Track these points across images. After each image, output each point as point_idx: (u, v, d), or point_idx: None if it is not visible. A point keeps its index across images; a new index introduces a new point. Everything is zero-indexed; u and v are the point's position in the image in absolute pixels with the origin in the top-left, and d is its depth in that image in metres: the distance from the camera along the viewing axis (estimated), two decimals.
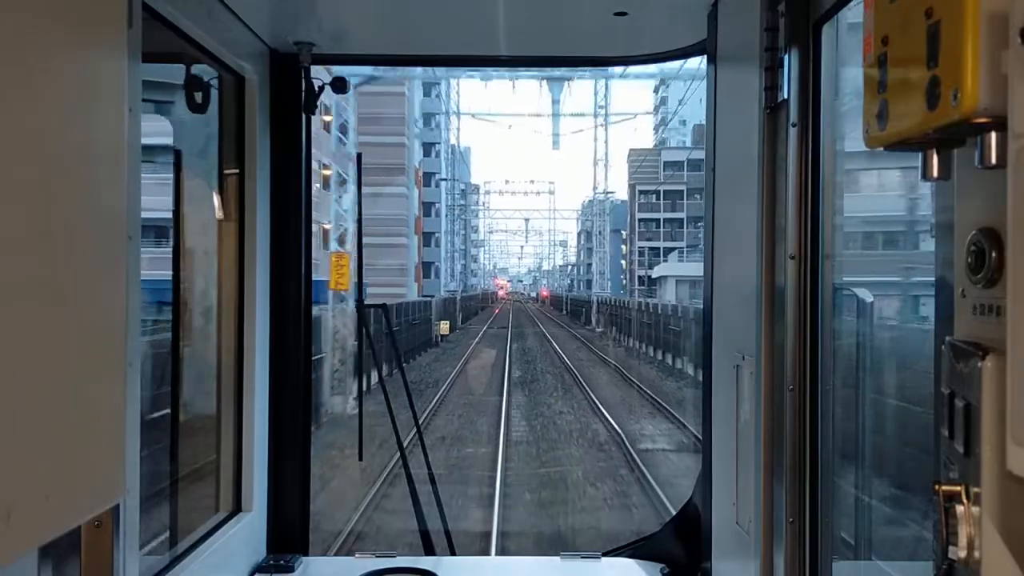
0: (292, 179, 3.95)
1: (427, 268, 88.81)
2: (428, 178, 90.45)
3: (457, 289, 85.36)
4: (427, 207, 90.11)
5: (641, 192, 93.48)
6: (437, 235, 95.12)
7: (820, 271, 2.61)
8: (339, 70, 4.64)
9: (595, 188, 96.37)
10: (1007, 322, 1.19)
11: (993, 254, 1.30)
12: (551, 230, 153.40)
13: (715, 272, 3.39)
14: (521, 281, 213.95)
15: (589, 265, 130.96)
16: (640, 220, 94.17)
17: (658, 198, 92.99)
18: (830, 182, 2.63)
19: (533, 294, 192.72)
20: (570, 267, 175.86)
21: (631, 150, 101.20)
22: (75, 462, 1.99)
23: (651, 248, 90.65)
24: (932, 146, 1.43)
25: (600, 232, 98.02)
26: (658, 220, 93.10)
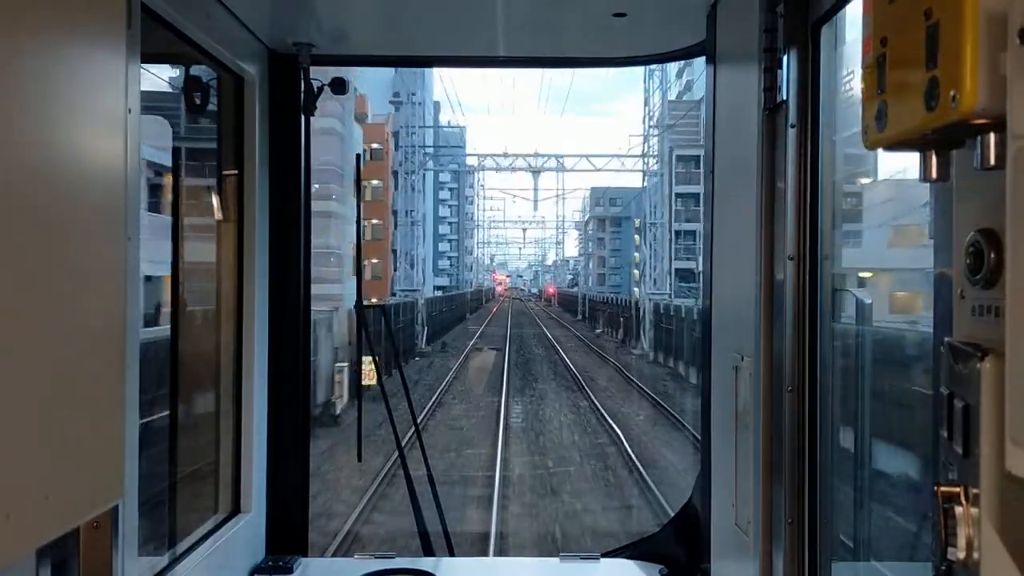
0: (291, 179, 3.95)
1: (401, 259, 64.26)
2: (399, 140, 65.04)
3: (417, 290, 50.96)
4: (397, 177, 64.05)
5: (679, 159, 65.93)
6: (414, 216, 66.66)
7: (819, 272, 2.61)
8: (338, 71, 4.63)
9: (648, 118, 55.57)
10: (1006, 323, 1.19)
11: (992, 255, 1.30)
12: (561, 192, 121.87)
13: (714, 272, 3.39)
14: (521, 276, 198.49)
15: (602, 258, 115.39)
16: (677, 195, 64.10)
17: (698, 166, 62.90)
18: (829, 182, 2.64)
19: (535, 290, 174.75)
20: (572, 261, 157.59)
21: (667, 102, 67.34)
22: (74, 463, 1.99)
23: (691, 231, 64.13)
24: (931, 147, 1.43)
25: (654, 205, 57.27)
26: (698, 195, 60.60)
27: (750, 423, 2.82)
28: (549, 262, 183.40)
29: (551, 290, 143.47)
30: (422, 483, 4.41)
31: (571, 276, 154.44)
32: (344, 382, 25.15)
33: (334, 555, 11.44)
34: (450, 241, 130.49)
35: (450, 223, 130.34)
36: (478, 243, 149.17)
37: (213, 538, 3.45)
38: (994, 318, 1.30)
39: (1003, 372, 1.22)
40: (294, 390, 3.99)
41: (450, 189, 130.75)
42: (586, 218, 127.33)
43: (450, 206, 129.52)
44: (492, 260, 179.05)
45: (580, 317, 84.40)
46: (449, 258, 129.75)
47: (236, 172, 3.74)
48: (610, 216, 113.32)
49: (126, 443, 2.31)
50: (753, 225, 2.78)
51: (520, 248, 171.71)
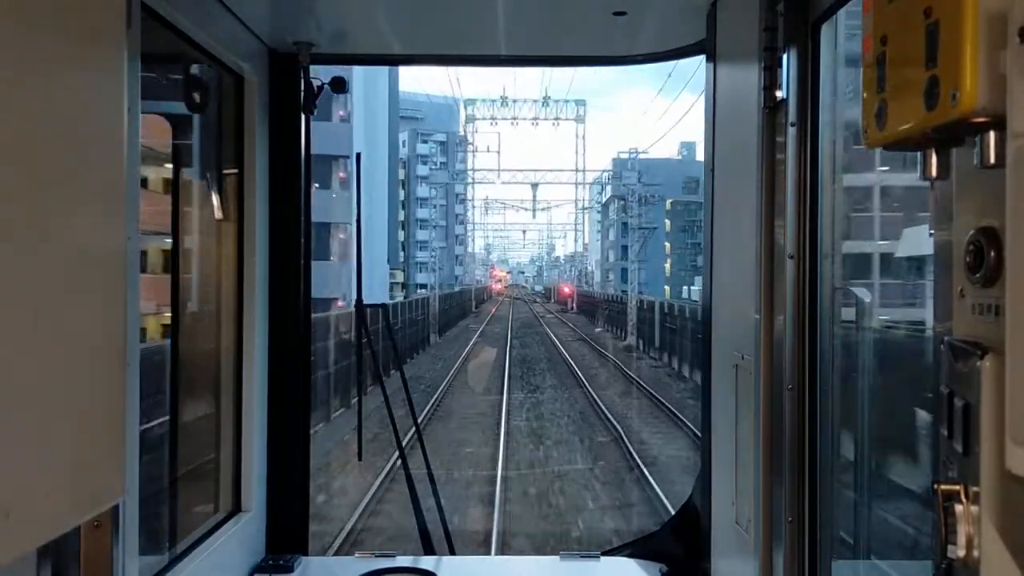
0: (291, 179, 3.95)
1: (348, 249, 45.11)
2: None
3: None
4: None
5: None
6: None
7: (819, 271, 2.61)
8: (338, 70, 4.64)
9: None
10: (1006, 321, 1.19)
11: (991, 253, 1.30)
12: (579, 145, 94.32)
13: (714, 271, 3.39)
14: (523, 272, 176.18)
15: (624, 248, 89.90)
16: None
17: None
18: (829, 181, 2.64)
19: (539, 288, 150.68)
20: (578, 257, 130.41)
21: None
22: (75, 462, 1.99)
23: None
24: (931, 146, 1.43)
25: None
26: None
27: (750, 422, 2.82)
28: (559, 253, 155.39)
29: (567, 290, 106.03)
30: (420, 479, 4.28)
31: (577, 272, 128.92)
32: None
33: (336, 552, 11.45)
34: (436, 228, 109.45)
35: (436, 206, 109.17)
36: (470, 225, 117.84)
37: (213, 537, 3.45)
38: (994, 316, 1.30)
39: (1003, 370, 1.22)
40: (294, 389, 3.99)
41: (440, 163, 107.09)
42: (605, 198, 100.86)
43: (436, 186, 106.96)
44: (488, 252, 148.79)
45: (636, 343, 45.74)
46: (436, 250, 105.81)
47: (236, 171, 3.74)
48: (637, 195, 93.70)
49: (127, 442, 2.31)
50: (753, 224, 2.78)
51: (523, 232, 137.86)
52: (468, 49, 4.22)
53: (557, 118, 51.58)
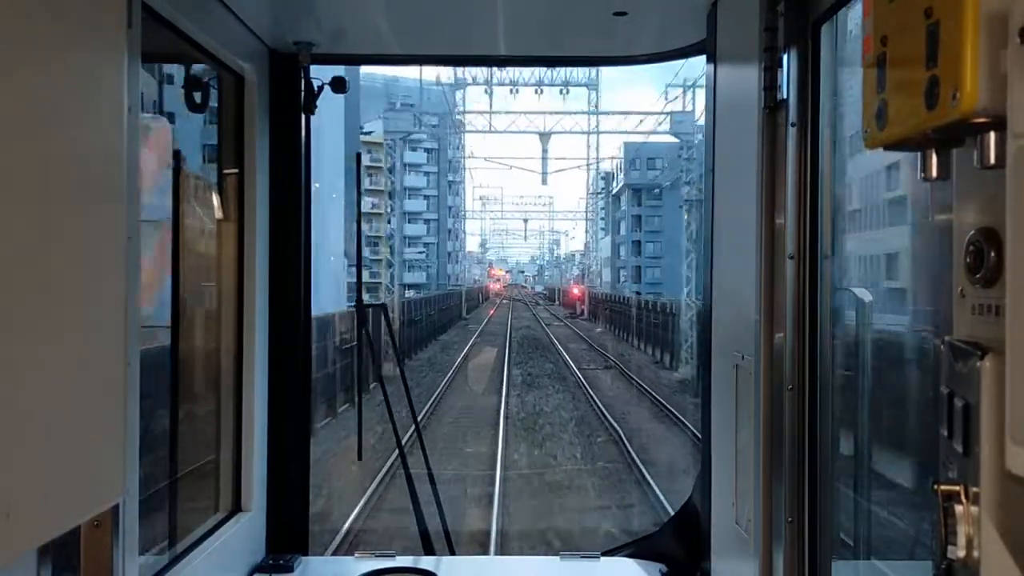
0: (292, 179, 3.95)
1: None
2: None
3: None
4: None
5: None
6: None
7: (819, 271, 2.61)
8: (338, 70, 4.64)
9: None
10: (1006, 322, 1.19)
11: (992, 254, 1.30)
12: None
13: (715, 271, 3.39)
14: (523, 272, 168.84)
15: (637, 244, 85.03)
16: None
17: None
18: (829, 181, 2.64)
19: (539, 288, 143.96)
20: (578, 255, 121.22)
21: None
22: (75, 462, 1.99)
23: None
24: (931, 146, 1.43)
25: None
26: None
27: (750, 422, 2.82)
28: (561, 251, 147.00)
29: (576, 292, 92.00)
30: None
31: (579, 271, 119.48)
32: None
33: (335, 552, 11.46)
34: (427, 222, 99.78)
35: (427, 196, 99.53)
36: (462, 216, 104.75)
37: (213, 537, 3.45)
38: (994, 317, 1.30)
39: (1003, 371, 1.22)
40: (295, 389, 3.99)
41: (426, 150, 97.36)
42: (616, 189, 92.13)
43: (426, 173, 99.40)
44: (485, 249, 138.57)
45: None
46: (426, 245, 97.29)
47: (236, 171, 3.74)
48: (648, 185, 78.50)
49: (127, 442, 2.31)
50: (753, 224, 2.78)
51: (525, 220, 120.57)
52: (468, 49, 4.22)
53: (566, 83, 43.24)
